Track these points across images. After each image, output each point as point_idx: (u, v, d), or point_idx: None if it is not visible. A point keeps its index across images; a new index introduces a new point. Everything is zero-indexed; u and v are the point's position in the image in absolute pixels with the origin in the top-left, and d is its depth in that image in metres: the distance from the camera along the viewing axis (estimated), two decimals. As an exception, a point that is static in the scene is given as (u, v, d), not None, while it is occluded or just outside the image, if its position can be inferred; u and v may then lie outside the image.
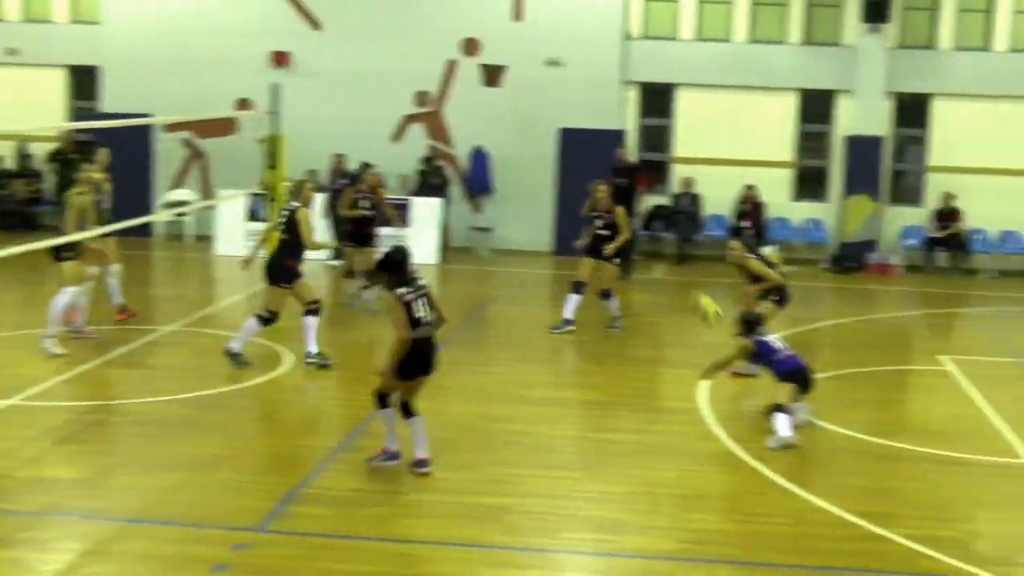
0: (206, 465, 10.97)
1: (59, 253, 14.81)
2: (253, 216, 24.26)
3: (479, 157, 26.32)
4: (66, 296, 14.99)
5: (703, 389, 14.11)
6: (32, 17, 28.04)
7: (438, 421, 12.44)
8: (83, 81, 28.03)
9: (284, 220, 14.60)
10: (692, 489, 10.74)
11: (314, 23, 26.50)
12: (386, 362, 10.35)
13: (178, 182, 27.13)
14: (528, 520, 9.78)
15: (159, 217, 25.37)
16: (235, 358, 14.47)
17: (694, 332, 17.54)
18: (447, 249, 25.26)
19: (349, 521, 9.58)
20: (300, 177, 17.00)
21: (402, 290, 10.25)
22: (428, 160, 25.92)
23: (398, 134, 26.62)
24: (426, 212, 24.68)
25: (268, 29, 26.48)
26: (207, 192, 26.78)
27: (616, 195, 22.46)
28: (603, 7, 25.93)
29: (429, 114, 26.58)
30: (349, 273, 18.67)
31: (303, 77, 26.28)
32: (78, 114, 27.86)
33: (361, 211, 18.35)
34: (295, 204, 14.61)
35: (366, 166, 20.58)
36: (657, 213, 26.14)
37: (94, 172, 15.94)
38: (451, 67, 26.37)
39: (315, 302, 14.87)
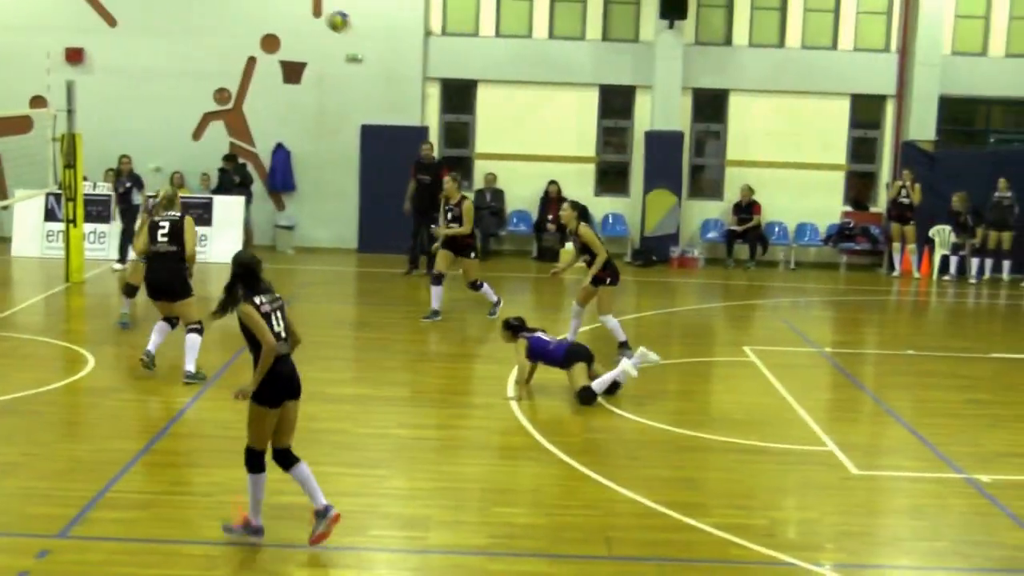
0: (3, 472, 10.65)
1: None
2: (51, 216, 23.62)
3: (280, 154, 26.08)
4: None
5: (509, 386, 14.20)
6: None
7: (241, 420, 12.29)
8: None
9: (167, 229, 14.09)
10: (500, 483, 10.86)
11: (109, 19, 25.90)
12: (250, 382, 8.91)
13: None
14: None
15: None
16: (195, 377, 13.96)
17: (495, 328, 17.69)
18: (250, 247, 24.95)
19: (155, 524, 9.44)
20: (167, 184, 16.80)
21: (259, 299, 8.95)
22: (230, 158, 25.56)
23: (198, 132, 26.20)
24: (228, 211, 24.36)
25: (62, 25, 25.79)
26: (2, 192, 25.97)
27: (419, 192, 22.59)
28: (404, 4, 25.95)
29: (229, 111, 26.23)
30: (131, 288, 16.97)
31: (99, 74, 25.69)
32: None
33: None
34: (176, 213, 14.21)
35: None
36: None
37: None
38: (251, 64, 26.06)
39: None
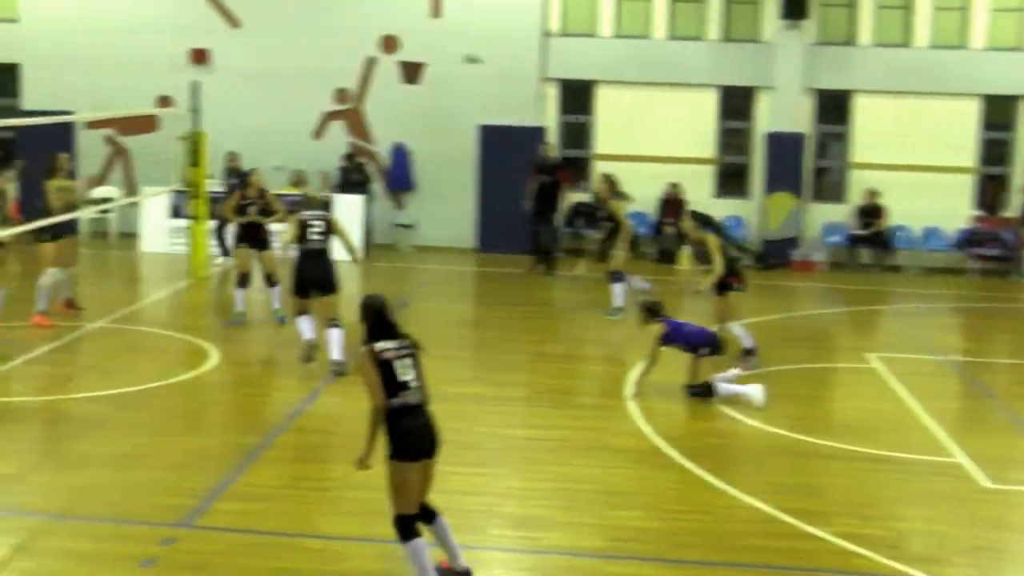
0: (129, 462, 10.90)
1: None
2: (176, 213, 23.99)
3: (399, 154, 26.23)
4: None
5: (628, 385, 14.13)
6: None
7: (358, 418, 12.37)
8: (3, 79, 27.59)
9: (321, 228, 14.57)
10: (616, 486, 10.79)
11: (233, 21, 26.26)
12: (363, 450, 8.36)
13: (101, 179, 26.76)
14: (451, 517, 9.66)
15: (82, 214, 25.03)
16: (341, 367, 14.17)
17: (614, 329, 17.68)
18: (369, 246, 25.14)
19: (275, 517, 9.56)
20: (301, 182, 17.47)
21: (382, 344, 8.25)
22: (350, 157, 25.77)
23: (319, 131, 26.46)
24: (348, 210, 24.55)
25: (187, 26, 26.18)
26: (130, 189, 26.47)
27: (540, 192, 22.58)
28: (521, 4, 25.90)
29: (349, 111, 26.44)
30: (243, 279, 17.31)
31: (223, 75, 26.03)
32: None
33: (251, 217, 17.30)
34: (321, 212, 14.90)
35: (249, 172, 19.20)
36: (579, 210, 26.17)
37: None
38: (370, 64, 26.24)
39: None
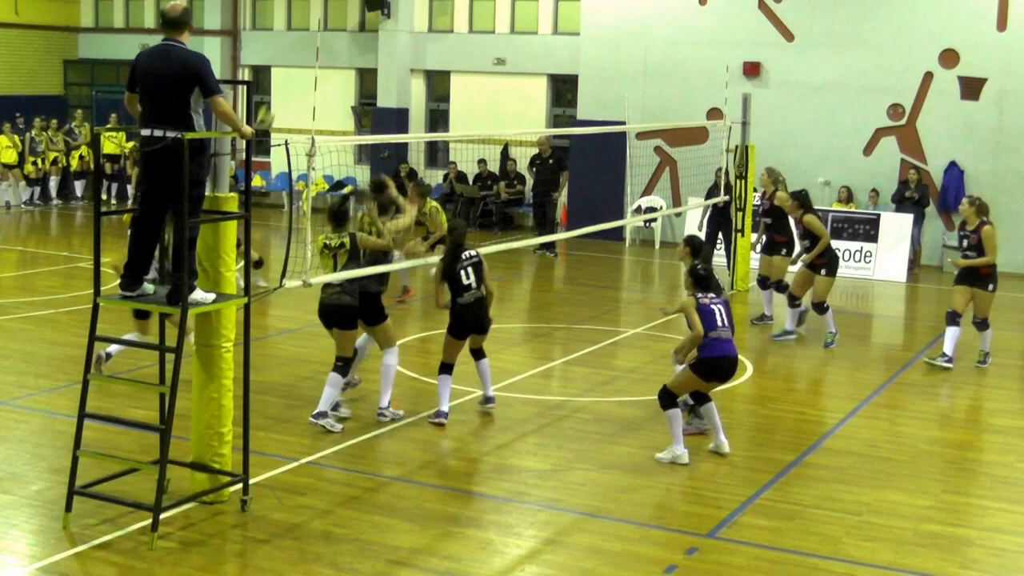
0: (661, 468, 11.16)
1: None
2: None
3: (953, 173, 25.31)
4: None
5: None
6: (518, 29, 29.35)
7: (893, 443, 12.17)
8: (562, 89, 29.09)
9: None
10: None
11: (788, 34, 26.31)
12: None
13: (648, 189, 27.58)
14: (988, 555, 9.36)
15: (630, 222, 25.94)
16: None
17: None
18: (917, 266, 24.48)
19: (799, 536, 9.50)
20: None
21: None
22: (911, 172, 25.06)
23: (869, 147, 26.01)
24: (896, 227, 24.03)
25: (740, 39, 26.49)
26: (675, 199, 27.13)
27: None
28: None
29: (902, 127, 25.82)
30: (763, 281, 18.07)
31: (774, 88, 26.16)
32: (556, 121, 28.90)
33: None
34: None
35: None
36: None
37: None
38: (927, 79, 25.48)
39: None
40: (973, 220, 15.52)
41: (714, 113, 25.88)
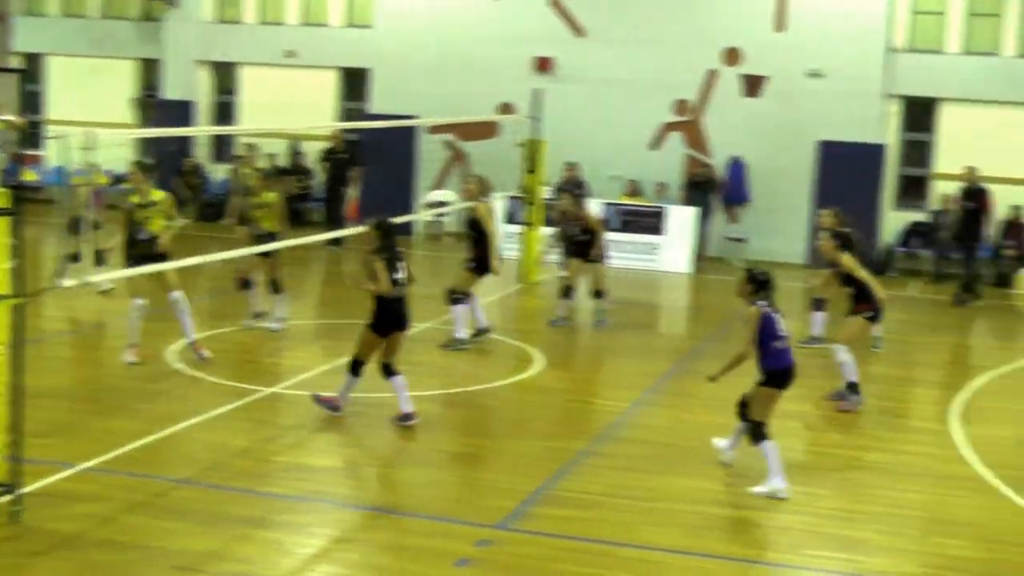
0: (453, 462, 11.18)
1: None
2: (511, 219, 24.50)
3: (736, 167, 26.02)
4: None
5: (954, 411, 13.65)
6: (309, 21, 29.02)
7: (680, 430, 12.40)
8: (354, 83, 28.89)
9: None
10: (941, 513, 10.43)
11: (578, 30, 26.63)
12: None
13: (439, 183, 27.59)
14: (772, 534, 9.65)
15: (420, 216, 25.90)
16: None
17: (946, 352, 17.11)
18: (702, 259, 25.05)
19: (592, 524, 9.60)
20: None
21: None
22: (703, 167, 25.71)
23: (656, 142, 26.52)
24: (681, 221, 24.56)
25: (533, 35, 26.71)
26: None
27: (966, 218, 21.70)
28: (867, 18, 25.25)
29: (688, 123, 26.41)
30: (567, 290, 17.79)
31: (565, 83, 26.43)
32: (348, 115, 28.70)
33: (575, 238, 17.66)
34: None
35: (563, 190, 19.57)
36: (915, 230, 25.41)
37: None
38: (711, 76, 26.13)
39: None
40: (831, 254, 14.41)
41: (506, 108, 26.03)
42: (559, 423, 13.00)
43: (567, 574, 8.64)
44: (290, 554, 8.85)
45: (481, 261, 15.89)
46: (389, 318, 12.00)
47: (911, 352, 17.69)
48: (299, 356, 15.14)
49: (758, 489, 10.49)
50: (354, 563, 8.76)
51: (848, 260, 13.81)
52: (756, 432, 10.56)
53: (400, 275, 11.96)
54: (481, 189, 16.19)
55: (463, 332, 15.70)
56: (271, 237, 15.59)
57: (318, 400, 12.30)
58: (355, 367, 12.12)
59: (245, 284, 16.42)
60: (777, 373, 10.68)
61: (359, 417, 12.52)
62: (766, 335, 10.62)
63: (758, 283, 10.79)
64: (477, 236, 15.93)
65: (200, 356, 14.18)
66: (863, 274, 13.70)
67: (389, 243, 12.04)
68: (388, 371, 12.12)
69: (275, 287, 16.17)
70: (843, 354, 13.67)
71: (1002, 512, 10.50)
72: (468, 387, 13.80)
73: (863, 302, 13.78)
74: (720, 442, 11.25)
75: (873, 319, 13.99)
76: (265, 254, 15.48)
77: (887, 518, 10.20)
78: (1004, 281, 24.09)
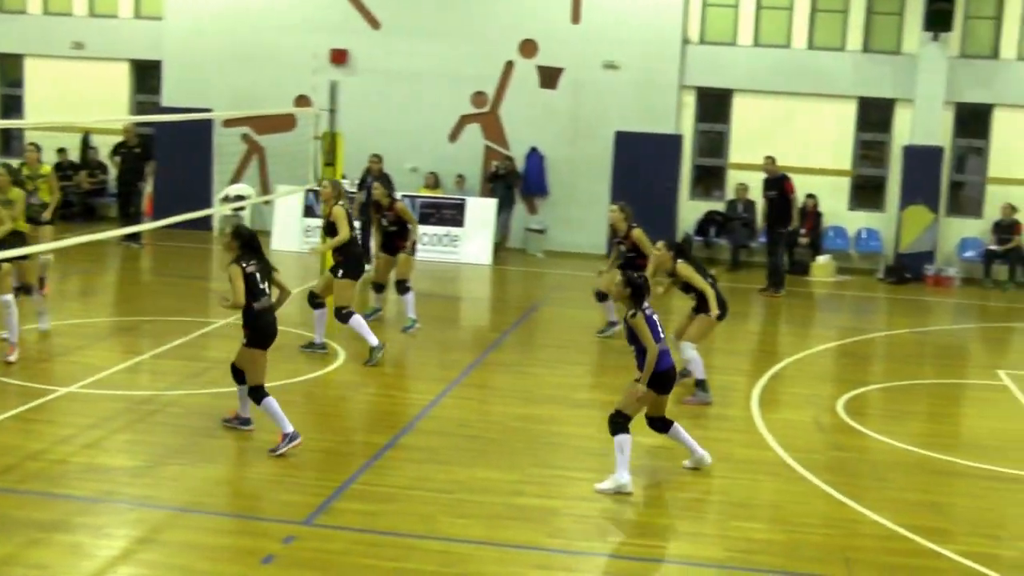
0: (255, 459, 11.06)
1: None
2: (309, 212, 24.35)
3: (534, 159, 26.29)
4: None
5: (755, 397, 14.04)
6: (97, 12, 28.29)
7: (483, 422, 12.54)
8: (145, 75, 28.28)
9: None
10: (740, 497, 10.73)
11: (374, 22, 26.57)
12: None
13: (236, 177, 27.25)
14: (574, 523, 9.79)
15: (217, 211, 25.53)
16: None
17: (744, 339, 17.58)
18: (502, 250, 25.24)
19: (396, 518, 9.64)
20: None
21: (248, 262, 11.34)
22: (506, 159, 25.91)
23: (455, 134, 26.64)
24: (481, 212, 24.71)
25: (328, 27, 26.57)
26: (264, 187, 26.93)
27: (769, 208, 22.18)
28: (661, 11, 25.81)
29: (486, 115, 26.59)
30: (378, 286, 17.88)
31: (361, 75, 26.35)
32: (140, 108, 28.09)
33: (385, 228, 17.55)
34: None
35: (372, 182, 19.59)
36: (711, 219, 26.05)
37: None
38: (508, 68, 26.36)
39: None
40: (622, 226, 15.94)
41: (302, 100, 25.83)
42: (363, 418, 13.01)
43: (371, 568, 8.66)
44: (90, 556, 8.68)
45: (349, 265, 15.57)
46: (268, 332, 11.45)
47: (712, 340, 18.08)
48: (95, 355, 14.80)
49: (602, 486, 10.56)
50: (156, 563, 8.63)
51: (684, 269, 13.83)
52: (617, 423, 10.60)
53: (265, 286, 11.38)
54: (336, 192, 15.92)
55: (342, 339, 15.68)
56: (19, 237, 14.65)
57: (227, 422, 11.96)
58: (256, 395, 11.42)
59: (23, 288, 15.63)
60: (657, 375, 10.66)
61: (157, 415, 12.33)
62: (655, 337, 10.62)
63: (635, 288, 10.70)
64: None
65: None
66: (701, 283, 13.77)
67: (251, 252, 11.40)
68: (239, 378, 11.71)
69: (26, 289, 15.26)
70: (690, 351, 13.83)
71: (800, 495, 10.84)
72: (270, 383, 13.66)
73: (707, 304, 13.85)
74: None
75: (720, 318, 13.92)
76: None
77: (690, 504, 10.49)
78: (801, 269, 24.83)
